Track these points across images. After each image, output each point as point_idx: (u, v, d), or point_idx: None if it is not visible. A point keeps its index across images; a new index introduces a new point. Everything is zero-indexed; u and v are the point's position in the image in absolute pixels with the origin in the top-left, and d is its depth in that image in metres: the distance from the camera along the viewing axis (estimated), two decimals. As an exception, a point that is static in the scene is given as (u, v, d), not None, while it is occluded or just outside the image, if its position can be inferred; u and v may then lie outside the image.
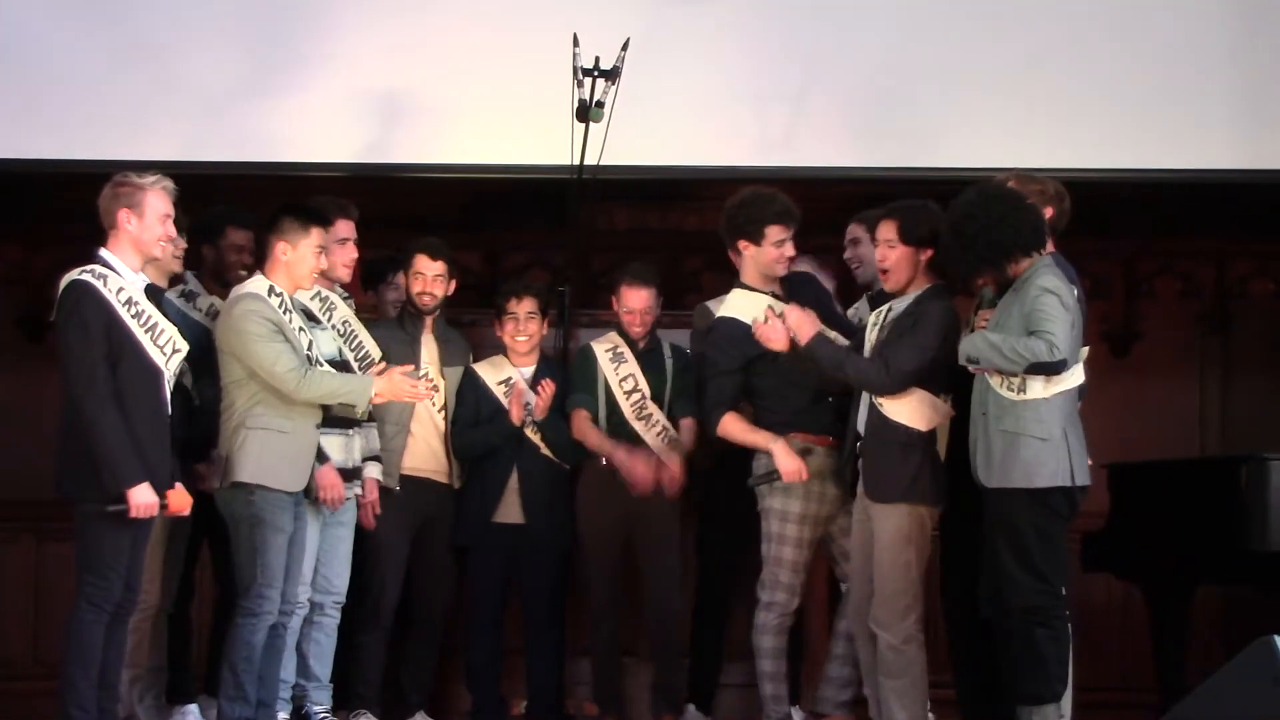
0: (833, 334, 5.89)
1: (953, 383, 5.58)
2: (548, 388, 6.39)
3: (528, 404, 6.44)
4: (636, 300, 6.42)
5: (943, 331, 5.52)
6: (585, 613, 6.74)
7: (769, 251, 5.99)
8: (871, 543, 5.62)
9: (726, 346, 5.92)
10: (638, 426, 6.40)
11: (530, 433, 6.49)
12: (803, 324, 5.65)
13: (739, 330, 5.86)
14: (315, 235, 5.78)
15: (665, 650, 6.45)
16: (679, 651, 6.44)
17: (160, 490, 5.32)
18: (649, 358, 6.47)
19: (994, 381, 5.37)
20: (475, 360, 6.64)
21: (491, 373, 6.57)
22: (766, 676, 5.95)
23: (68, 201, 7.40)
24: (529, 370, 6.56)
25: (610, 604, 6.47)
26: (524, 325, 6.51)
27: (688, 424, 6.39)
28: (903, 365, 5.51)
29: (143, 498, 5.22)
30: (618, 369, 6.45)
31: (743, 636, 6.35)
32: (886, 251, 5.66)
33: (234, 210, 6.29)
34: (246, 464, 5.59)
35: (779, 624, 5.92)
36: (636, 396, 6.42)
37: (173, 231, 5.49)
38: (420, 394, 5.85)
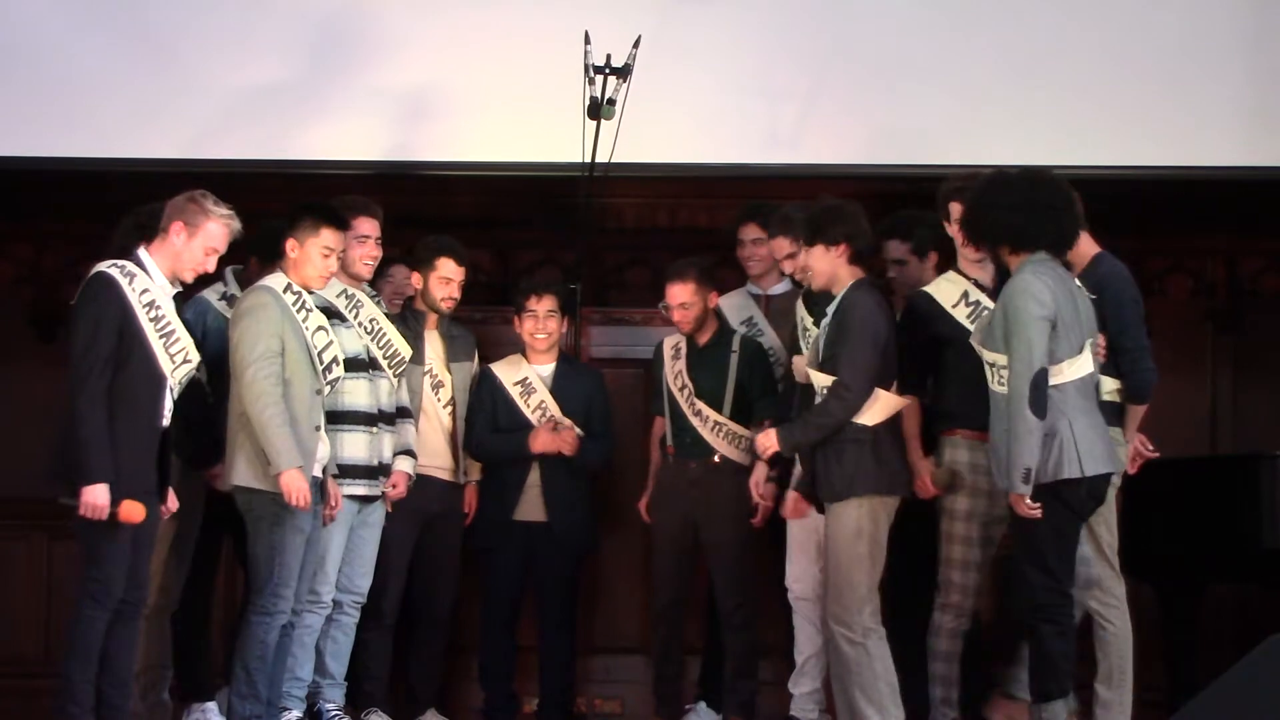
0: None
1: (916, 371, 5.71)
2: (568, 439, 6.40)
3: (552, 418, 6.45)
4: (673, 295, 6.38)
5: (870, 325, 5.51)
6: (596, 613, 6.75)
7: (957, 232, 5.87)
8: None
9: (913, 324, 5.78)
10: (695, 423, 6.40)
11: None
12: (764, 442, 5.71)
13: (929, 309, 5.77)
14: (325, 236, 5.77)
15: (734, 652, 6.40)
16: (750, 653, 6.40)
17: (132, 492, 5.26)
18: (709, 353, 6.42)
19: (992, 383, 5.39)
20: (482, 355, 6.64)
21: (508, 372, 6.56)
22: (938, 679, 5.77)
23: (80, 200, 7.44)
24: (547, 369, 6.56)
25: (671, 605, 6.46)
26: (543, 323, 6.50)
27: (768, 430, 6.32)
28: (850, 380, 5.52)
29: (92, 498, 5.19)
30: (674, 365, 6.45)
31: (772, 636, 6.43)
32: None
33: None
34: (245, 467, 5.61)
35: (954, 626, 5.76)
36: (686, 393, 6.41)
37: (210, 267, 5.48)
38: (303, 505, 5.60)
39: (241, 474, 5.63)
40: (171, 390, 5.41)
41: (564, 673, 6.55)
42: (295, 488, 5.54)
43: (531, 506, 6.48)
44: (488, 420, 6.51)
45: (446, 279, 6.42)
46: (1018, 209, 5.36)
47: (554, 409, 6.49)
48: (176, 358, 5.40)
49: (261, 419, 5.55)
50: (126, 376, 5.28)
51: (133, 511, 5.30)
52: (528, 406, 6.52)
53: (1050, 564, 5.34)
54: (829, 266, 5.62)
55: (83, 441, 5.20)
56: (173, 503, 5.52)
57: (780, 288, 6.67)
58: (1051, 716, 5.40)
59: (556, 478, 6.48)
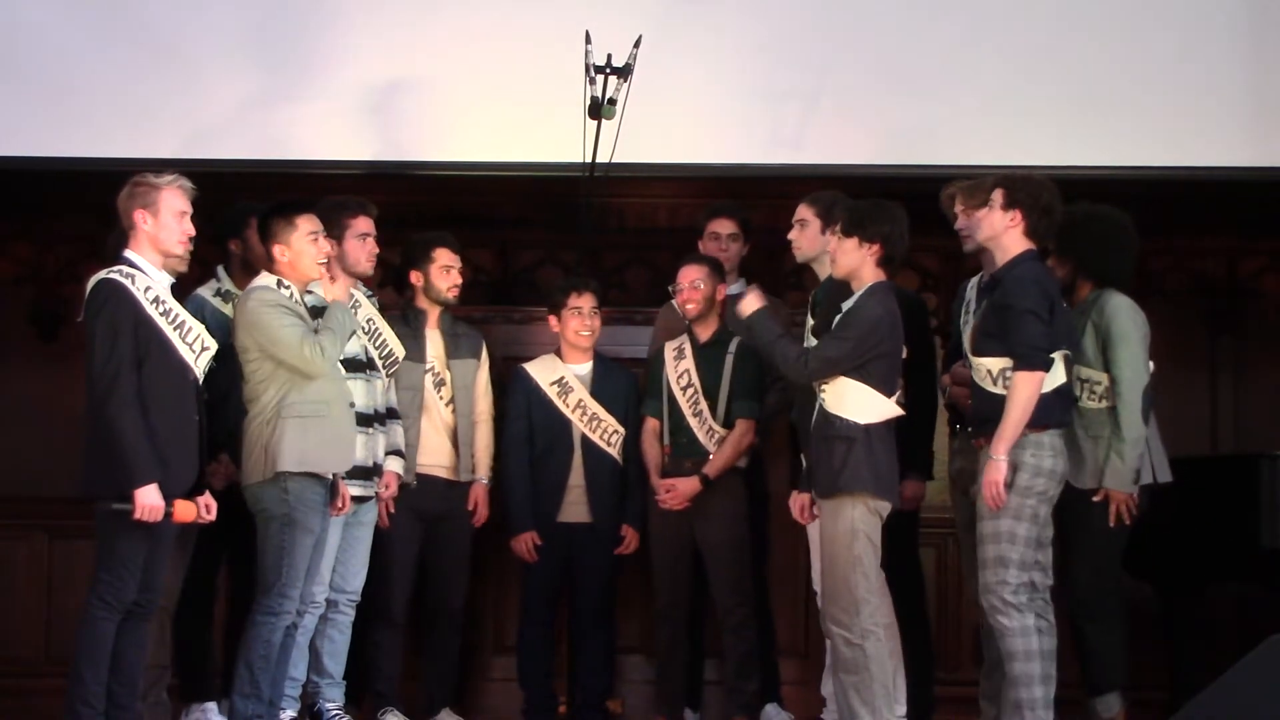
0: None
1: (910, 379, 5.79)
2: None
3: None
4: (687, 274, 6.38)
5: (871, 326, 5.52)
6: (629, 613, 6.76)
7: None
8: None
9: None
10: (693, 423, 6.39)
11: (590, 432, 6.50)
12: (749, 299, 5.76)
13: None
14: (302, 224, 5.75)
15: (733, 652, 6.40)
16: (748, 652, 6.38)
17: (179, 491, 5.33)
18: (710, 351, 6.40)
19: (1083, 398, 5.73)
20: (490, 356, 6.62)
21: (543, 372, 6.56)
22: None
23: (80, 200, 7.44)
24: (584, 369, 6.56)
25: (672, 606, 6.45)
26: (589, 320, 6.50)
27: (741, 425, 6.35)
28: (822, 353, 5.57)
29: (148, 499, 5.22)
30: (677, 365, 6.44)
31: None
32: (831, 239, 5.78)
33: (254, 204, 6.26)
34: (288, 453, 5.57)
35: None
36: (691, 392, 6.40)
37: (190, 229, 5.48)
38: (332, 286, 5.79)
39: (290, 459, 5.57)
40: (196, 380, 5.44)
41: (600, 675, 6.54)
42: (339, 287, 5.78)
43: (574, 508, 6.49)
44: (522, 430, 6.51)
45: (447, 268, 6.44)
46: (1125, 249, 5.86)
47: (594, 408, 6.50)
48: (195, 346, 5.43)
49: (329, 356, 5.61)
50: (149, 375, 5.30)
51: (186, 511, 5.35)
52: (566, 406, 6.51)
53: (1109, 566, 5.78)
54: (855, 261, 5.61)
55: (124, 446, 5.21)
56: (211, 511, 5.51)
57: (737, 288, 6.68)
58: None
59: (601, 479, 6.49)
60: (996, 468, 5.40)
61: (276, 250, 5.73)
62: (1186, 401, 7.82)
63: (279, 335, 5.60)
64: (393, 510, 6.28)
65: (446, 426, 6.45)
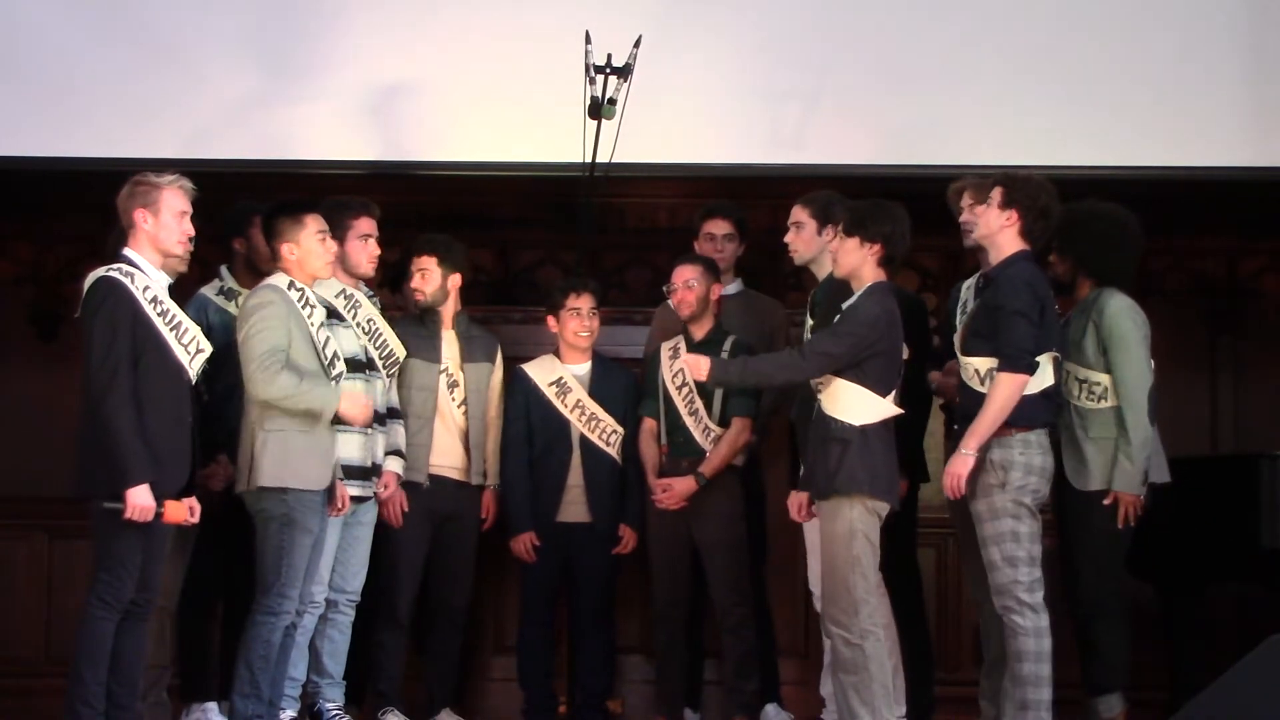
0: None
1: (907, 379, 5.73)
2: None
3: None
4: (680, 274, 6.38)
5: (869, 323, 5.52)
6: (628, 613, 6.77)
7: None
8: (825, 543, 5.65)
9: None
10: (689, 422, 6.38)
11: (588, 432, 6.50)
12: (695, 364, 5.71)
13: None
14: (311, 223, 5.77)
15: (732, 652, 6.40)
16: (747, 652, 6.38)
17: (169, 492, 5.32)
18: (705, 350, 6.29)
19: (1078, 398, 5.76)
20: (505, 358, 6.62)
21: (542, 373, 6.55)
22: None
23: (80, 200, 7.45)
24: (582, 369, 6.56)
25: (671, 606, 6.44)
26: (588, 321, 6.50)
27: (737, 424, 6.34)
28: (817, 347, 5.58)
29: (139, 499, 5.21)
30: (673, 365, 6.43)
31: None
32: (830, 239, 5.81)
33: (257, 204, 6.26)
34: (270, 467, 5.58)
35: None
36: (685, 391, 6.39)
37: (190, 229, 5.47)
38: (363, 419, 5.79)
39: (271, 474, 5.59)
40: (190, 382, 5.43)
41: (600, 674, 6.54)
42: (356, 409, 5.69)
43: (573, 508, 6.49)
44: (522, 431, 6.50)
45: (411, 271, 6.42)
46: (1126, 249, 5.88)
47: (592, 407, 6.50)
48: (190, 347, 5.43)
49: (270, 391, 5.54)
50: (144, 374, 5.29)
51: (176, 512, 5.33)
52: (565, 406, 6.51)
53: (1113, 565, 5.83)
54: (856, 261, 5.61)
55: (118, 445, 5.20)
56: (195, 515, 5.50)
57: (734, 288, 6.68)
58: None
59: (600, 479, 6.49)
60: (964, 461, 5.44)
61: (285, 249, 5.74)
62: (1186, 401, 7.83)
63: (249, 340, 5.60)
64: (406, 509, 6.28)
65: (459, 429, 6.45)
